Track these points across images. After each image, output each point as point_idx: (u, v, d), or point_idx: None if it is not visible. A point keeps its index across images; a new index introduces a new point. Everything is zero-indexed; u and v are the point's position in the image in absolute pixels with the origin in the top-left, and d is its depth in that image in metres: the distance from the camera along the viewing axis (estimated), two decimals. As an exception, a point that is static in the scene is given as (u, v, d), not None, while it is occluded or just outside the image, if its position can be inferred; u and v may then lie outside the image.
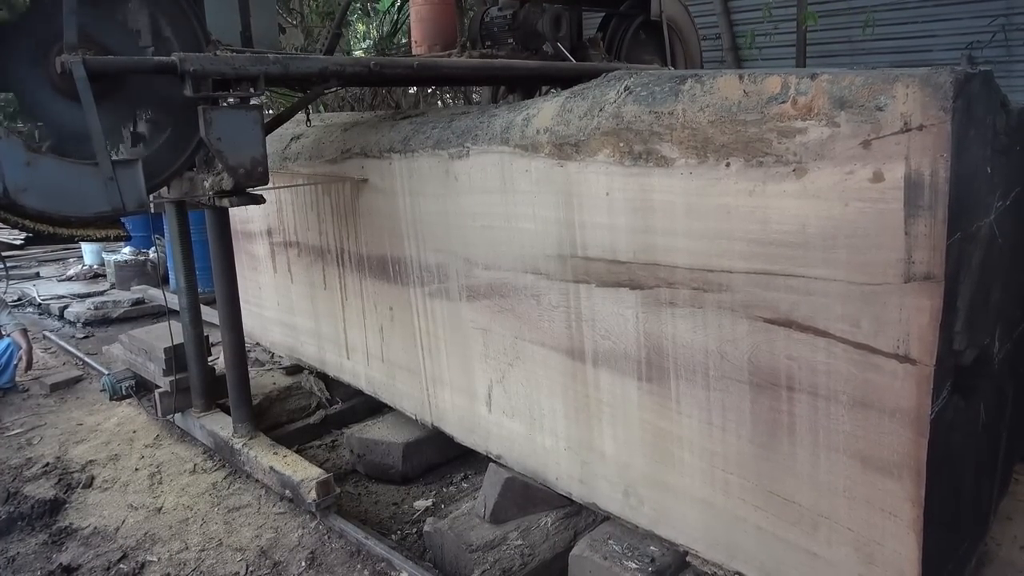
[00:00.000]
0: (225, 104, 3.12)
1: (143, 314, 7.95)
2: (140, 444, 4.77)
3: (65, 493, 4.20)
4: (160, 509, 4.00)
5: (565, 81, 3.94)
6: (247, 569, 3.44)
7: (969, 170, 2.15)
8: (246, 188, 3.37)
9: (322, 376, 5.15)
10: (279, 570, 3.43)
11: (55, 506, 4.06)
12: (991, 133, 2.31)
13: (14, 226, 2.60)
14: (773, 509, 2.66)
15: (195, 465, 4.42)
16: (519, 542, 3.36)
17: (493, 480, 3.53)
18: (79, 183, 2.65)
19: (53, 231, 2.69)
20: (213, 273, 4.15)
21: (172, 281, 7.67)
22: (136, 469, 4.45)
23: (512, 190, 3.26)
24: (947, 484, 2.45)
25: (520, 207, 3.25)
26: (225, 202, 3.43)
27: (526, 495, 3.50)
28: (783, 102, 2.34)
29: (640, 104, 2.74)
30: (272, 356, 5.80)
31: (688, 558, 3.04)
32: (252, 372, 4.85)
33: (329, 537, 3.64)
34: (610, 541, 3.25)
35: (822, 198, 2.28)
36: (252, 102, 3.22)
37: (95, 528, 3.84)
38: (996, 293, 2.55)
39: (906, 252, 2.14)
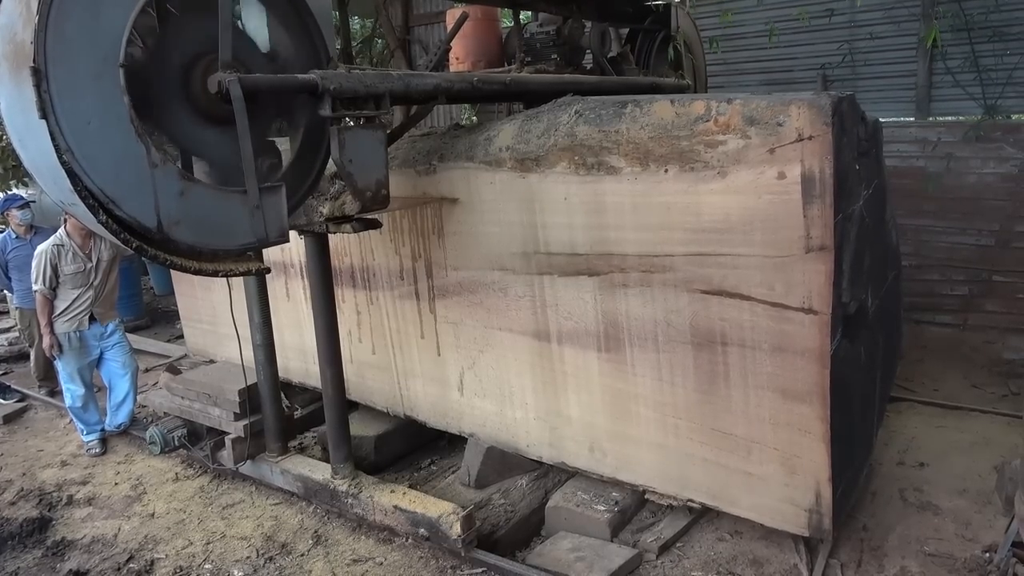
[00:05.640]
0: (355, 124, 2.97)
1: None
2: (112, 462, 4.93)
3: (49, 511, 4.36)
4: (153, 515, 4.24)
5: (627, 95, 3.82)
6: (257, 553, 3.79)
7: (845, 168, 2.91)
8: (368, 212, 3.24)
9: (283, 384, 5.44)
10: (288, 549, 3.79)
11: (43, 524, 4.22)
12: (856, 140, 3.10)
13: (161, 263, 2.46)
14: (715, 442, 3.33)
15: (176, 474, 4.66)
16: (502, 501, 3.89)
17: (475, 451, 4.05)
18: (226, 213, 2.50)
19: (199, 267, 2.52)
20: (312, 306, 3.79)
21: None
22: (115, 484, 4.64)
23: (478, 199, 3.80)
24: (844, 408, 3.20)
25: (486, 214, 3.80)
26: (347, 228, 3.27)
27: (503, 462, 4.04)
28: (707, 121, 3.04)
29: (590, 125, 3.37)
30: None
31: (647, 495, 3.68)
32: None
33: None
34: (579, 492, 3.85)
35: (741, 193, 2.98)
36: (378, 122, 3.07)
37: (93, 537, 4.04)
38: (867, 260, 3.35)
39: (805, 230, 2.86)
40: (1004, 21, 6.42)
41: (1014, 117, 6.69)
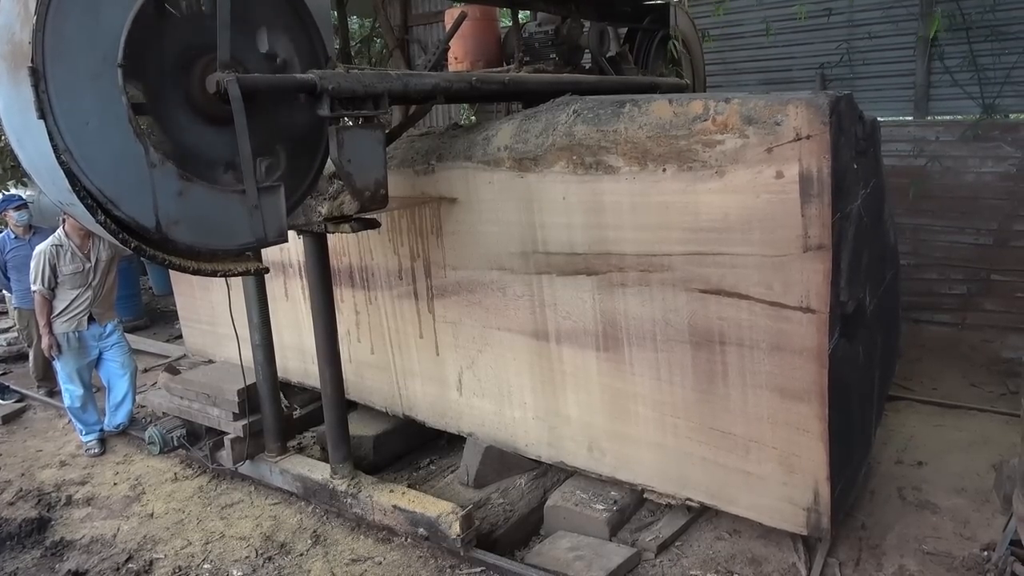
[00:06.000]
0: (353, 124, 2.98)
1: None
2: (111, 462, 4.93)
3: (48, 511, 4.36)
4: (152, 515, 4.23)
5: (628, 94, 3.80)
6: (256, 552, 3.78)
7: (843, 167, 2.91)
8: (367, 212, 3.24)
9: (282, 384, 5.44)
10: (287, 548, 3.79)
11: (42, 524, 4.21)
12: (854, 139, 3.10)
13: (160, 263, 2.46)
14: (713, 442, 3.33)
15: (175, 474, 4.66)
16: (500, 500, 3.90)
17: (474, 451, 4.05)
18: (225, 213, 2.50)
19: (197, 267, 2.52)
20: (311, 306, 3.77)
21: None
22: (114, 484, 4.64)
23: (476, 199, 3.80)
24: (842, 407, 3.19)
25: (484, 213, 3.80)
26: (346, 228, 3.27)
27: (502, 461, 4.04)
28: (705, 120, 3.04)
29: (588, 124, 3.37)
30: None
31: (645, 495, 3.68)
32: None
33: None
34: (578, 491, 3.85)
35: (739, 192, 2.98)
36: (377, 121, 3.08)
37: (92, 537, 4.04)
38: (865, 258, 3.35)
39: (803, 229, 2.87)
40: (1002, 20, 6.42)
41: (1012, 116, 6.69)
